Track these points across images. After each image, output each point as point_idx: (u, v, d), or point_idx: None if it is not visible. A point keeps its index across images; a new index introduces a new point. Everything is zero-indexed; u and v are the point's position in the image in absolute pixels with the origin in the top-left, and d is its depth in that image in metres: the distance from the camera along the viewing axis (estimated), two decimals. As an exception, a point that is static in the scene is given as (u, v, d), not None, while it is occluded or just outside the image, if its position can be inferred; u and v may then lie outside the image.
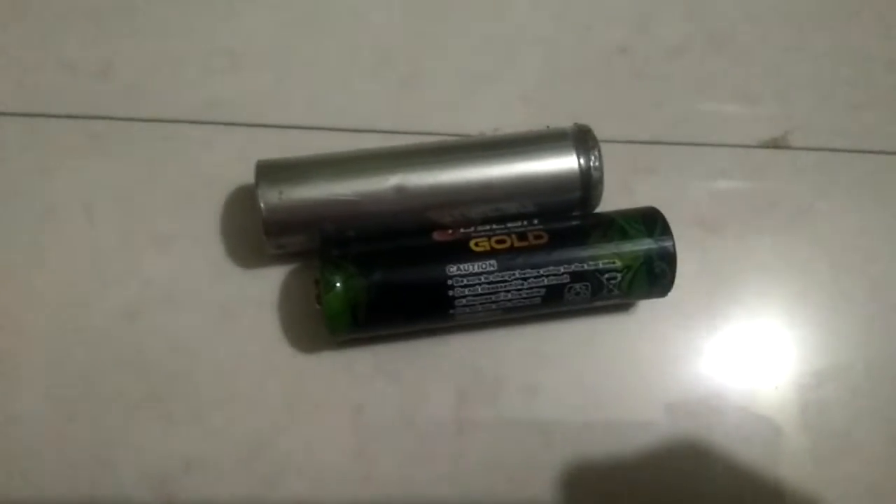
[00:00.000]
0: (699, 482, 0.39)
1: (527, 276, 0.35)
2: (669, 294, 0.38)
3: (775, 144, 0.44)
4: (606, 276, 0.35)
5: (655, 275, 0.36)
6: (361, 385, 0.38)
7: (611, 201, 0.38)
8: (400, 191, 0.35)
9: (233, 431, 0.37)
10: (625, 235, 0.36)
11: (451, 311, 0.35)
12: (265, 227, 0.35)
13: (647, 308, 0.41)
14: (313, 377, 0.38)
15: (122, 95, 0.42)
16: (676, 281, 0.37)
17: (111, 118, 0.41)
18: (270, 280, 0.39)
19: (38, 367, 0.38)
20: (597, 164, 0.36)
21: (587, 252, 0.35)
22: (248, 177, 0.36)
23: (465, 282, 0.35)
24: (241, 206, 0.40)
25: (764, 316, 0.42)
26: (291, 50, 0.43)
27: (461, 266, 0.35)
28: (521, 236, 0.36)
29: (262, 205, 0.35)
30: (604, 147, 0.37)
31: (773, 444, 0.40)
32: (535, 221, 0.37)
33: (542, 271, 0.35)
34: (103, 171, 0.40)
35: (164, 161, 0.41)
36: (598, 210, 0.38)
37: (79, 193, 0.40)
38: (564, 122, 0.39)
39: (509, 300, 0.35)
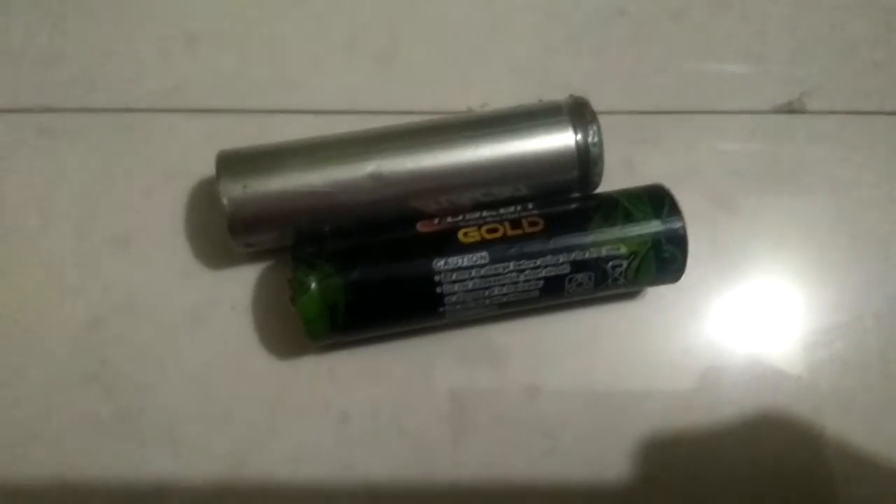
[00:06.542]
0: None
1: (523, 267, 0.32)
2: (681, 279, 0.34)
3: (790, 109, 0.41)
4: (611, 264, 0.32)
5: (664, 260, 0.33)
6: (347, 391, 0.35)
7: (613, 179, 0.34)
8: (377, 178, 0.32)
9: (209, 450, 0.34)
10: (629, 218, 0.32)
11: (441, 309, 0.32)
12: (230, 225, 0.31)
13: (655, 293, 0.37)
14: (294, 385, 0.35)
15: (73, 85, 0.38)
16: (688, 263, 0.33)
17: (62, 110, 0.38)
18: (242, 280, 0.36)
19: (-6, 385, 0.35)
20: (595, 139, 0.33)
21: (588, 238, 0.32)
22: (213, 168, 0.32)
23: (454, 277, 0.31)
24: (206, 199, 0.37)
25: (783, 299, 0.38)
26: (255, 28, 0.40)
27: (449, 260, 0.31)
28: (515, 223, 0.32)
29: (224, 201, 0.31)
30: (603, 119, 0.33)
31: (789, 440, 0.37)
32: (530, 206, 0.33)
33: (539, 262, 0.32)
34: (56, 169, 0.37)
35: (121, 154, 0.37)
36: (599, 190, 0.35)
37: (31, 195, 0.37)
38: (559, 94, 0.35)
39: (504, 294, 0.32)
